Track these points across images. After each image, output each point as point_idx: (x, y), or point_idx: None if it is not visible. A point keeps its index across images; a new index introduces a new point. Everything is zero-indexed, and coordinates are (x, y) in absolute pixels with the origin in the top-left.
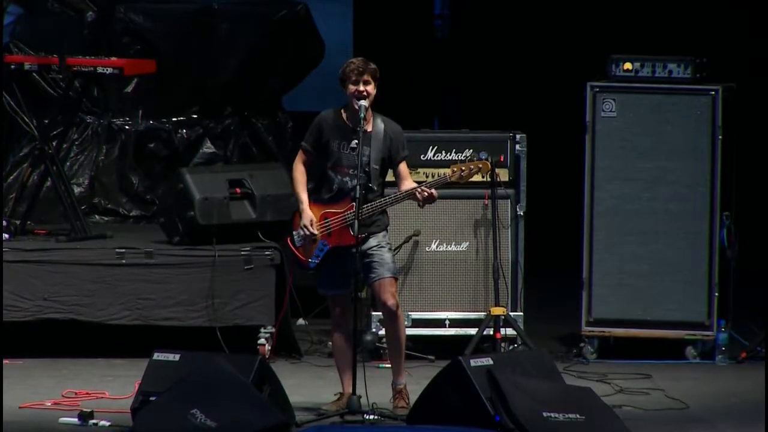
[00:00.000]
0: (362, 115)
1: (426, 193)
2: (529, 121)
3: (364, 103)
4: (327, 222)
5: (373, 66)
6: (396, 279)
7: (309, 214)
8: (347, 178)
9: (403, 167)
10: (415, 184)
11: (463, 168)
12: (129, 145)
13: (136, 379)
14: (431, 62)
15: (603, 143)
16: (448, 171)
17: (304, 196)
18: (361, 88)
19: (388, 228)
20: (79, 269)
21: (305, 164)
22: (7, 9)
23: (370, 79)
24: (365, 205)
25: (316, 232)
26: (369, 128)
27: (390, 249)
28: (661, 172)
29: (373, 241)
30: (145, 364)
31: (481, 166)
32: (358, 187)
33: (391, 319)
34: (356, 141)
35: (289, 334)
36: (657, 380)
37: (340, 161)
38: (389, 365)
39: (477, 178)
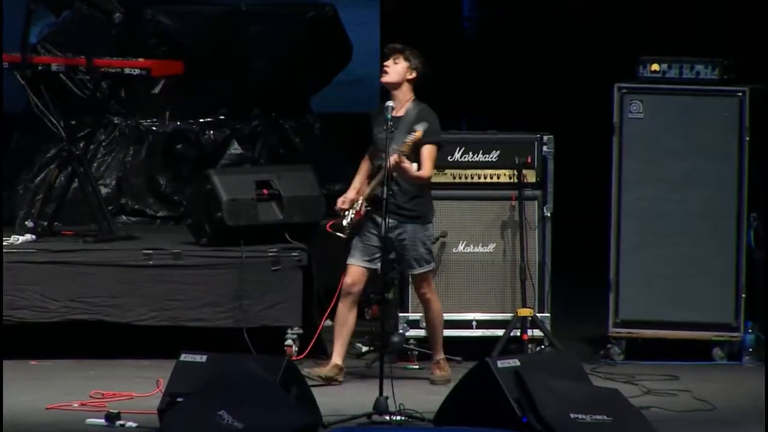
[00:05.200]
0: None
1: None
2: (557, 123)
3: (390, 103)
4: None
5: (397, 46)
6: (429, 271)
7: (345, 195)
8: (381, 161)
9: (423, 151)
10: (426, 171)
11: (404, 149)
12: (156, 147)
13: (160, 378)
14: (459, 64)
15: (630, 144)
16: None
17: (354, 181)
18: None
19: (429, 220)
20: (106, 270)
21: (370, 155)
22: (35, 10)
23: (398, 57)
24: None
25: (344, 207)
26: (401, 113)
27: (422, 242)
28: (689, 174)
29: (405, 234)
30: (173, 365)
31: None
32: (385, 183)
33: (425, 306)
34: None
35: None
36: (684, 382)
37: (377, 146)
38: (416, 366)
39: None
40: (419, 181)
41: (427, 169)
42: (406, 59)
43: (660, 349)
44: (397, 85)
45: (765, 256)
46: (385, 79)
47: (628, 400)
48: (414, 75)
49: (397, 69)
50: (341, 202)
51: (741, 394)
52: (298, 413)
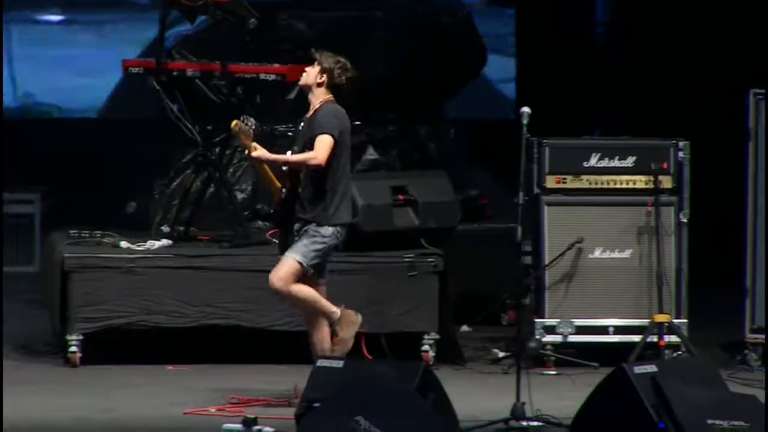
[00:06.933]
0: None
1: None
2: (692, 128)
3: (525, 109)
4: None
5: (317, 50)
6: (297, 262)
7: None
8: None
9: (315, 142)
10: (301, 156)
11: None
12: (292, 151)
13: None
14: (593, 70)
15: (766, 150)
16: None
17: None
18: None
19: (326, 222)
20: (242, 275)
21: None
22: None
23: (315, 61)
24: None
25: None
26: (310, 114)
27: (309, 235)
28: None
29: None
30: (309, 370)
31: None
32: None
33: (279, 296)
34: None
35: (452, 341)
36: None
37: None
38: (553, 372)
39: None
40: (293, 164)
41: (313, 153)
42: (318, 63)
43: None
44: (308, 88)
45: None
46: (300, 81)
47: (765, 406)
48: (323, 79)
49: (309, 73)
50: None
51: None
52: (435, 419)
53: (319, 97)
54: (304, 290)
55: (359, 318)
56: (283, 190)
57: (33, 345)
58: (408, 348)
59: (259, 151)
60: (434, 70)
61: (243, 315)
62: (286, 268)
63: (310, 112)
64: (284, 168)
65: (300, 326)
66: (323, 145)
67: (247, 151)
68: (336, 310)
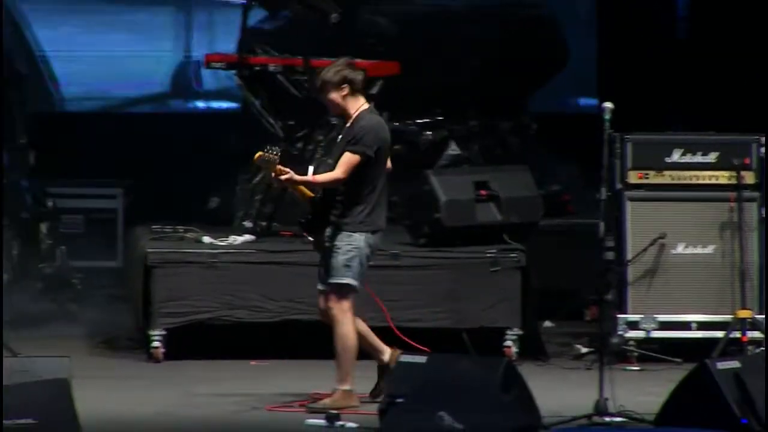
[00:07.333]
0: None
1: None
2: None
3: (608, 104)
4: None
5: (317, 80)
6: (343, 285)
7: None
8: None
9: (342, 157)
10: (325, 177)
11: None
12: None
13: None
14: (674, 64)
15: None
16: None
17: None
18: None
19: (357, 229)
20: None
21: None
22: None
23: (324, 92)
24: None
25: None
26: (348, 124)
27: (344, 251)
28: None
29: (330, 240)
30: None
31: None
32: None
33: (332, 325)
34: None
35: (535, 337)
36: None
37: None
38: (636, 367)
39: None
40: (318, 185)
41: (336, 172)
42: (330, 87)
43: None
44: (342, 110)
45: None
46: (333, 113)
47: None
48: (346, 90)
49: (331, 100)
50: None
51: None
52: (518, 414)
53: (352, 107)
54: (351, 345)
55: (355, 404)
56: (315, 197)
57: (116, 340)
58: (490, 343)
59: (288, 175)
60: (513, 64)
61: None
62: (337, 293)
63: (349, 122)
64: None
65: (383, 321)
66: (346, 163)
67: (274, 176)
68: (349, 384)
